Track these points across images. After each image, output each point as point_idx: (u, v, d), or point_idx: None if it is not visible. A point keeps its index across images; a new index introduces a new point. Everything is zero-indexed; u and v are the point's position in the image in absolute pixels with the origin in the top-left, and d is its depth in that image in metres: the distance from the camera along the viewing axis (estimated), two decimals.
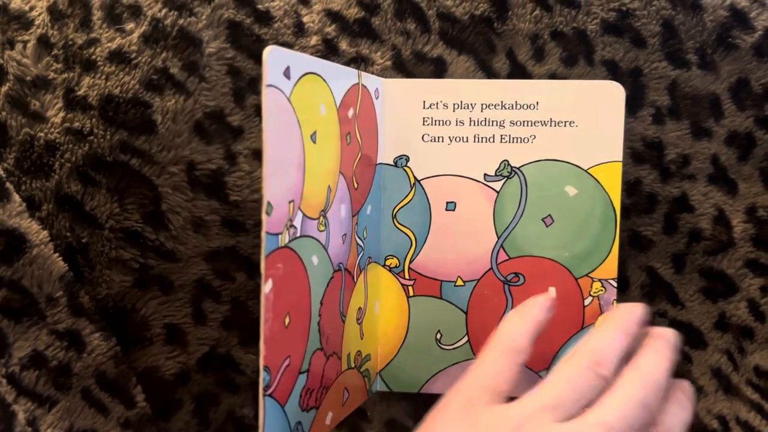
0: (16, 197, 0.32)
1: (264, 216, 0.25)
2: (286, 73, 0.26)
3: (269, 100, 0.25)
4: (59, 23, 0.34)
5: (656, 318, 0.37)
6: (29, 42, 0.34)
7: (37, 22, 0.34)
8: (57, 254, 0.33)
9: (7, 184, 0.32)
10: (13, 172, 0.33)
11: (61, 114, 0.34)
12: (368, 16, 0.36)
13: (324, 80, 0.29)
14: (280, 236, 0.26)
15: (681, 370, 0.37)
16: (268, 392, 0.26)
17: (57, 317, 0.33)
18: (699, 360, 0.37)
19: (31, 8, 0.34)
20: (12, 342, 0.32)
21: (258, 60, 0.35)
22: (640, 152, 0.36)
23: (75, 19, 0.34)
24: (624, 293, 0.36)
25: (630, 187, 0.36)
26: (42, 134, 0.33)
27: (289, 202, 0.26)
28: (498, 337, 0.30)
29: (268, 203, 0.25)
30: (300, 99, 0.27)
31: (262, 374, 0.25)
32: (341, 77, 0.30)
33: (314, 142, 0.28)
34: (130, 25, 0.34)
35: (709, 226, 0.36)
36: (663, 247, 0.36)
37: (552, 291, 0.35)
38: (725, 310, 0.36)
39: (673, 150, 0.36)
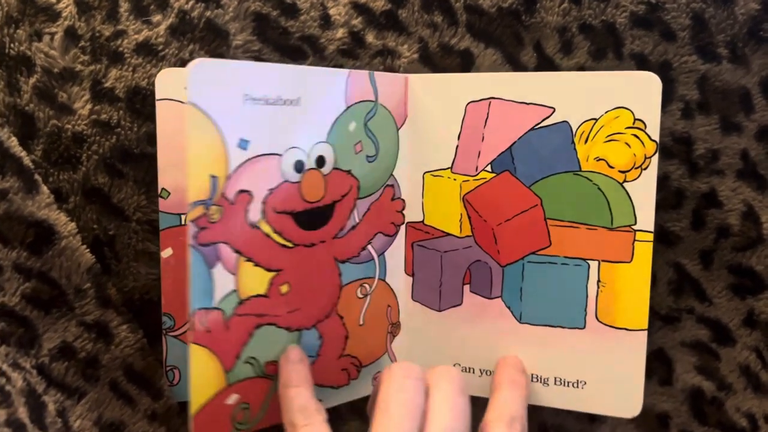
0: (45, 189, 0.32)
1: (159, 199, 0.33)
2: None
3: (162, 113, 0.33)
4: (86, 15, 0.34)
5: (684, 314, 0.37)
6: (56, 34, 0.34)
7: (64, 14, 0.34)
8: (84, 246, 0.33)
9: (36, 176, 0.32)
10: (41, 164, 0.33)
11: (89, 106, 0.34)
12: (395, 8, 0.35)
13: None
14: (182, 216, 0.33)
15: (710, 367, 0.37)
16: (171, 334, 0.34)
17: (85, 309, 0.33)
18: (727, 357, 0.37)
19: (58, 0, 0.34)
20: (41, 333, 0.32)
21: (284, 53, 0.35)
22: (669, 147, 0.35)
23: (102, 11, 0.34)
24: (652, 289, 0.36)
25: (658, 182, 0.35)
26: (69, 126, 0.33)
27: None
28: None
29: (163, 189, 0.33)
30: None
31: (164, 318, 0.34)
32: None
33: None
34: (157, 17, 0.34)
35: (738, 222, 0.36)
36: (691, 243, 0.36)
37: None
38: (754, 307, 0.36)
39: (702, 145, 0.35)
